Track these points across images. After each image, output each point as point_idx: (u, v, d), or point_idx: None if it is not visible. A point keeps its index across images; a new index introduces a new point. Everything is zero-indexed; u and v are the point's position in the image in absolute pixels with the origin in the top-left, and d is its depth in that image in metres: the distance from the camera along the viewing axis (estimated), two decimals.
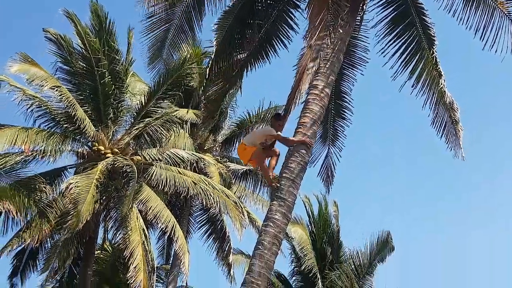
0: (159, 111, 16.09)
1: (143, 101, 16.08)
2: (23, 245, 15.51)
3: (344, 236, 19.77)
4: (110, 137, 15.70)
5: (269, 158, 8.71)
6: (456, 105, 10.50)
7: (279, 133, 8.55)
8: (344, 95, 11.16)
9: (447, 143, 10.64)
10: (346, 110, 11.21)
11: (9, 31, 45.73)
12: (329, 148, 11.33)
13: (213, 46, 10.44)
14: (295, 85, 9.01)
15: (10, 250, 15.09)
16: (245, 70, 10.34)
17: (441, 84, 10.35)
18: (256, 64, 10.42)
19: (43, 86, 14.61)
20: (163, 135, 16.19)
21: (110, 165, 15.01)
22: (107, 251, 19.63)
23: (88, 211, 13.67)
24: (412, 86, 10.50)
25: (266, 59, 10.45)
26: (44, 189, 14.56)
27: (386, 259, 19.39)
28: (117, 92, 15.70)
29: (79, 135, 15.40)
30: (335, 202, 20.09)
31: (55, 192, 15.52)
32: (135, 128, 15.84)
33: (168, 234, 15.67)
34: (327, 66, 8.92)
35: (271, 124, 8.81)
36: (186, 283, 19.15)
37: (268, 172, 8.67)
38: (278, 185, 8.23)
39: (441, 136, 10.66)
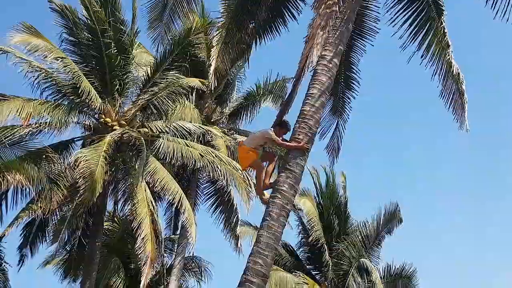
0: (165, 82, 15.96)
1: (149, 72, 15.94)
2: (32, 217, 15.64)
3: (352, 208, 19.88)
4: (117, 109, 15.63)
5: (266, 163, 8.66)
6: (462, 77, 10.41)
7: (277, 138, 8.39)
8: (353, 66, 11.01)
9: (453, 115, 10.58)
10: (353, 81, 11.08)
11: (15, 3, 45.53)
12: (338, 120, 11.24)
13: (220, 17, 10.31)
14: (305, 54, 8.85)
15: (20, 223, 15.25)
16: (254, 42, 10.22)
17: (449, 54, 10.24)
18: (265, 37, 10.29)
19: (46, 57, 14.49)
20: (170, 106, 16.10)
21: (118, 137, 14.99)
22: (116, 223, 19.79)
23: (100, 185, 13.71)
24: (422, 57, 10.37)
25: (275, 31, 10.32)
26: (54, 159, 14.55)
27: (393, 230, 19.50)
28: (123, 63, 15.55)
29: (86, 107, 15.34)
30: (343, 174, 20.12)
31: (63, 164, 15.56)
32: (142, 99, 15.74)
33: (175, 205, 15.75)
34: (336, 35, 8.77)
35: (273, 127, 8.68)
36: (193, 254, 19.39)
37: (261, 184, 8.61)
38: (270, 199, 8.10)
39: (449, 107, 10.59)
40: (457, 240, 43.98)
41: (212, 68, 10.01)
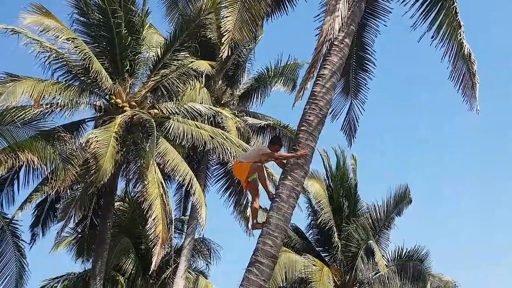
0: (175, 64, 15.92)
1: (159, 53, 15.89)
2: (44, 196, 15.81)
3: (362, 190, 19.81)
4: (127, 90, 15.63)
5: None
6: (474, 57, 10.26)
7: (273, 153, 8.40)
8: (367, 46, 10.89)
9: (463, 96, 10.46)
10: (368, 62, 10.96)
11: None
12: (351, 101, 11.15)
13: None
14: (323, 28, 8.72)
15: (32, 204, 15.42)
16: (262, 20, 10.11)
17: (460, 35, 10.08)
18: (274, 14, 10.20)
19: (58, 37, 14.48)
20: (180, 88, 16.09)
21: (128, 118, 15.02)
22: (127, 203, 19.94)
23: (111, 165, 13.78)
24: (432, 38, 10.22)
25: (284, 9, 10.22)
26: (66, 138, 14.62)
27: (403, 212, 19.40)
28: (133, 44, 15.51)
29: (96, 88, 15.37)
30: (353, 156, 20.02)
31: (75, 144, 15.65)
32: (152, 80, 15.73)
33: (185, 187, 15.80)
34: (348, 15, 8.67)
35: (267, 146, 8.71)
36: (203, 236, 19.50)
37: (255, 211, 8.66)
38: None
39: (458, 89, 10.48)
40: (464, 224, 44.03)
41: (226, 36, 9.69)
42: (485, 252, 40.83)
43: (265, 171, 8.61)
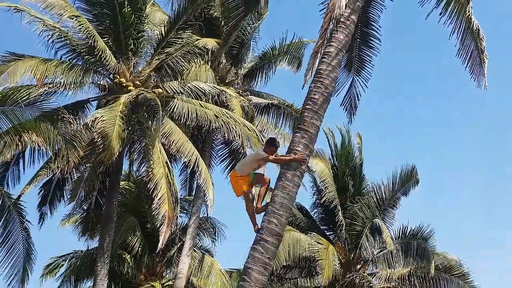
0: (180, 42, 15.80)
1: (163, 32, 15.76)
2: (50, 176, 15.88)
3: (367, 169, 19.74)
4: (131, 69, 15.56)
5: (259, 186, 8.61)
6: (482, 34, 10.13)
7: (270, 156, 8.34)
8: (372, 22, 10.73)
9: (471, 74, 10.36)
10: (373, 39, 10.81)
11: None
12: (353, 77, 11.04)
13: None
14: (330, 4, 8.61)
15: (38, 182, 15.49)
16: None
17: (468, 11, 9.94)
18: None
19: (61, 15, 14.36)
20: (184, 67, 16.00)
21: (133, 98, 14.98)
22: (132, 183, 20.03)
23: (118, 144, 13.81)
24: (440, 14, 10.08)
25: None
26: (70, 120, 14.62)
27: (410, 192, 19.35)
28: (137, 22, 15.39)
29: (100, 67, 15.30)
30: (359, 134, 19.91)
31: (79, 124, 15.65)
32: (156, 59, 15.64)
33: (191, 167, 15.79)
34: None
35: (263, 149, 8.63)
36: (207, 215, 19.58)
37: (253, 215, 8.47)
38: (260, 228, 7.95)
39: (466, 66, 10.37)
40: (464, 217, 44.08)
41: None
42: (485, 244, 41.01)
43: (253, 202, 8.55)
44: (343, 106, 10.98)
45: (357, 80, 11.00)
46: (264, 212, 8.09)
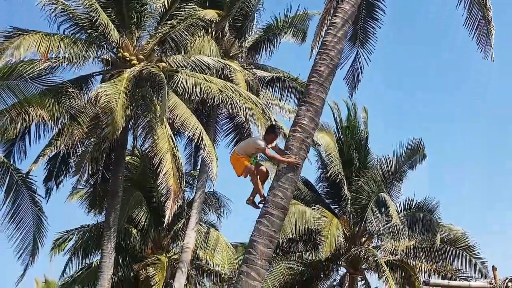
0: (183, 14, 15.62)
1: (166, 4, 15.56)
2: (56, 151, 15.92)
3: (373, 143, 19.61)
4: (135, 43, 15.43)
5: (258, 177, 8.45)
6: (489, 4, 9.97)
7: (267, 149, 8.26)
8: None
9: (478, 44, 10.23)
10: (377, 10, 10.64)
11: None
12: (358, 50, 10.90)
13: None
14: None
15: (45, 159, 15.55)
16: None
17: None
18: None
19: None
20: (188, 40, 15.84)
21: (137, 72, 14.90)
22: (137, 157, 20.07)
23: (122, 119, 13.76)
24: None
25: None
26: (74, 94, 14.59)
27: (416, 166, 19.24)
28: None
29: (104, 41, 15.19)
30: (365, 108, 19.76)
31: (83, 99, 15.62)
32: (159, 32, 15.49)
33: (195, 141, 15.78)
34: None
35: (263, 136, 8.52)
36: (213, 190, 19.65)
37: (258, 185, 8.44)
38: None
39: (473, 36, 10.24)
40: (464, 212, 44.02)
41: None
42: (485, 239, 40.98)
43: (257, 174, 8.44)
44: (345, 80, 10.87)
45: (361, 53, 10.86)
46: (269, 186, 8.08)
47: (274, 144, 8.44)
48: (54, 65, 14.80)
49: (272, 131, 8.51)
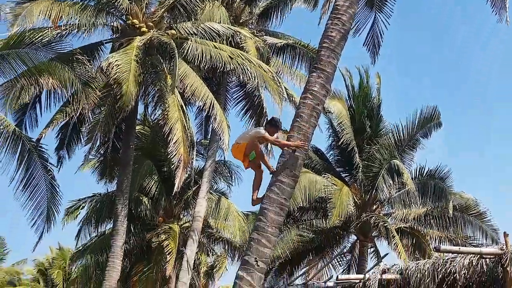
0: None
1: None
2: (67, 119, 15.95)
3: (386, 111, 19.30)
4: (144, 9, 15.27)
5: (255, 175, 8.32)
6: None
7: (270, 136, 8.05)
8: None
9: (492, 8, 9.96)
10: None
11: None
12: (375, 15, 10.63)
13: None
14: None
15: (56, 125, 15.58)
16: None
17: None
18: None
19: None
20: (198, 6, 15.62)
21: (147, 40, 14.75)
22: (148, 127, 20.08)
23: (135, 89, 13.73)
24: None
25: None
26: (84, 62, 14.52)
27: (431, 134, 18.96)
28: None
29: (113, 8, 15.03)
30: (378, 75, 19.44)
31: (93, 67, 15.56)
32: None
33: (206, 111, 15.70)
34: None
35: (264, 127, 8.30)
36: (224, 158, 19.67)
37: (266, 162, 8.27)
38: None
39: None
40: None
41: None
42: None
43: (261, 147, 8.35)
44: (366, 46, 10.62)
45: (379, 17, 10.58)
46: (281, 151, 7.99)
47: (275, 136, 8.28)
48: (64, 32, 14.70)
49: (273, 124, 8.31)
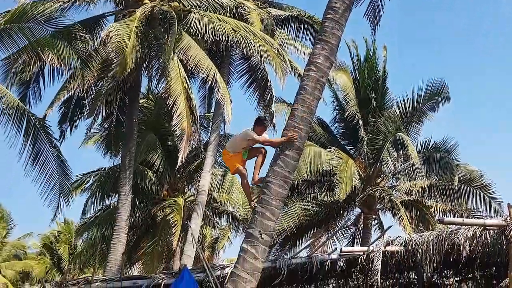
0: None
1: None
2: (70, 94, 15.92)
3: (393, 84, 19.04)
4: None
5: (256, 157, 8.27)
6: None
7: (260, 137, 8.06)
8: None
9: None
10: None
11: None
12: None
13: None
14: None
15: (60, 102, 15.57)
16: None
17: None
18: None
19: None
20: None
21: (148, 12, 14.58)
22: (151, 100, 20.03)
23: (131, 59, 13.59)
24: None
25: None
26: (84, 38, 14.40)
27: (438, 108, 18.73)
28: None
29: None
30: (385, 46, 19.16)
31: (96, 40, 15.43)
32: None
33: (209, 83, 15.62)
34: None
35: (252, 128, 8.23)
36: (227, 132, 19.62)
37: (249, 193, 8.45)
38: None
39: None
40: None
41: None
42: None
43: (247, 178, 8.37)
44: (366, 17, 10.43)
45: None
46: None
47: (264, 135, 8.30)
48: (66, 5, 14.54)
49: (261, 123, 8.30)
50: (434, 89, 18.53)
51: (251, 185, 8.49)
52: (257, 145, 8.34)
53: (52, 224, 34.39)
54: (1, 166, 57.10)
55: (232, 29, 14.89)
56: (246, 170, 8.37)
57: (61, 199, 14.52)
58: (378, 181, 18.70)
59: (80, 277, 17.93)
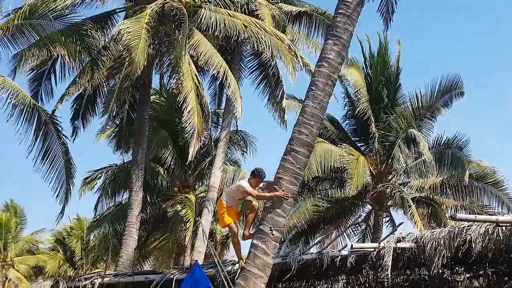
0: None
1: None
2: (81, 91, 15.99)
3: (405, 80, 18.73)
4: None
5: (248, 212, 8.57)
6: None
7: (254, 191, 8.19)
8: None
9: None
10: None
11: None
12: None
13: None
14: None
15: (70, 97, 15.63)
16: None
17: None
18: None
19: None
20: None
21: (159, 8, 14.60)
22: (162, 96, 20.08)
23: (143, 57, 13.62)
24: None
25: None
26: (95, 35, 14.46)
27: (451, 104, 18.54)
28: None
29: None
30: (399, 41, 18.96)
31: (106, 37, 15.48)
32: None
33: (220, 80, 15.61)
34: None
35: (248, 179, 8.42)
36: (237, 128, 19.63)
37: (239, 249, 8.77)
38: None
39: None
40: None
41: None
42: None
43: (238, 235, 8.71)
44: (379, 12, 10.35)
45: None
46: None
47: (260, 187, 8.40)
48: (77, 1, 14.60)
49: (257, 175, 8.39)
50: (448, 84, 18.33)
51: (241, 241, 8.72)
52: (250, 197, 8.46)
53: (62, 220, 34.65)
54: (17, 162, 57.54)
55: (243, 24, 14.86)
56: (237, 228, 8.54)
57: (69, 195, 14.68)
58: (390, 177, 18.59)
59: (93, 272, 18.05)
